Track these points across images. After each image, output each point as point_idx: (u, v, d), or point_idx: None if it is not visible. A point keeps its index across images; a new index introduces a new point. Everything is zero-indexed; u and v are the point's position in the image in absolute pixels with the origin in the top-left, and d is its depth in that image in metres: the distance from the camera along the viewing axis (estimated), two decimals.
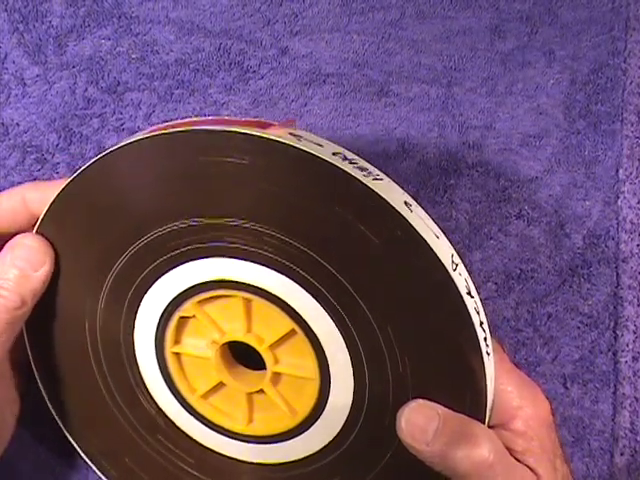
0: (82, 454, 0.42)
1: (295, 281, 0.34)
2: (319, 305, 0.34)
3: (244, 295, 0.35)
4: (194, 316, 0.37)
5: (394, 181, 0.33)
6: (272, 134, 0.31)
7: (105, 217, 0.35)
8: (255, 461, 0.39)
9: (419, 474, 0.34)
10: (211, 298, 0.36)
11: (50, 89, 0.46)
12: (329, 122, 0.47)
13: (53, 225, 0.36)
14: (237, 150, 0.31)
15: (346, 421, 0.36)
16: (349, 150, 0.33)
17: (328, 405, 0.36)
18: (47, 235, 0.37)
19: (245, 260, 0.34)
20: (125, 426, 0.40)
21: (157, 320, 0.37)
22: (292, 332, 0.35)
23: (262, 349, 0.36)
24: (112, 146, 0.33)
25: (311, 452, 0.37)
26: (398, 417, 0.33)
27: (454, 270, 0.31)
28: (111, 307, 0.37)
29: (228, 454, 0.39)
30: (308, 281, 0.33)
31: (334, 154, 0.31)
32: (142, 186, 0.34)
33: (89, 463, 0.42)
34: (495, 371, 0.34)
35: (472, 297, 0.32)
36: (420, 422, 0.33)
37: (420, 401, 0.33)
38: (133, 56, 0.46)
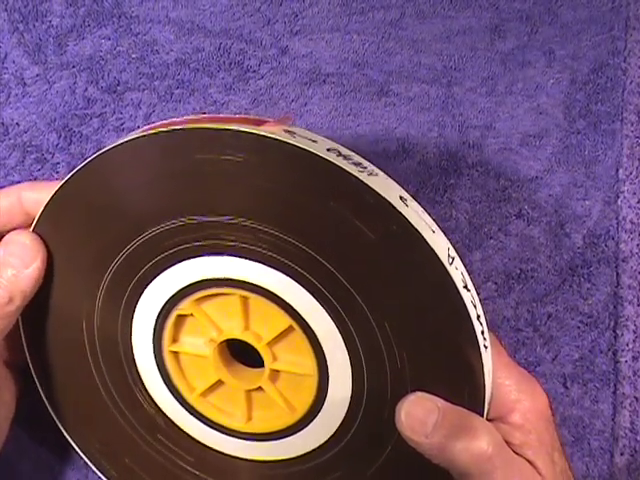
0: (82, 454, 0.42)
1: (292, 278, 0.34)
2: (316, 301, 0.34)
3: (241, 293, 0.35)
4: (192, 314, 0.37)
5: (394, 180, 0.33)
6: (266, 131, 0.31)
7: (101, 216, 0.35)
8: (255, 458, 0.39)
9: (419, 467, 0.34)
10: (208, 296, 0.36)
11: (50, 89, 0.46)
12: (329, 122, 0.47)
13: (49, 224, 0.36)
14: (232, 148, 0.31)
15: (345, 417, 0.36)
16: (344, 146, 0.33)
17: (327, 401, 0.36)
18: (43, 234, 0.37)
19: (242, 257, 0.34)
20: (124, 426, 0.40)
21: (154, 319, 0.37)
22: (290, 329, 0.35)
23: (260, 346, 0.36)
24: (108, 145, 0.33)
25: (311, 448, 0.37)
26: (397, 410, 0.33)
27: (450, 264, 0.31)
28: (108, 306, 0.37)
29: (227, 452, 0.39)
30: (305, 277, 0.33)
31: (328, 150, 0.31)
32: (138, 185, 0.34)
33: (89, 463, 0.42)
34: (493, 364, 0.34)
35: (469, 290, 0.32)
36: (419, 415, 0.33)
37: (419, 394, 0.33)
38: (133, 56, 0.46)
